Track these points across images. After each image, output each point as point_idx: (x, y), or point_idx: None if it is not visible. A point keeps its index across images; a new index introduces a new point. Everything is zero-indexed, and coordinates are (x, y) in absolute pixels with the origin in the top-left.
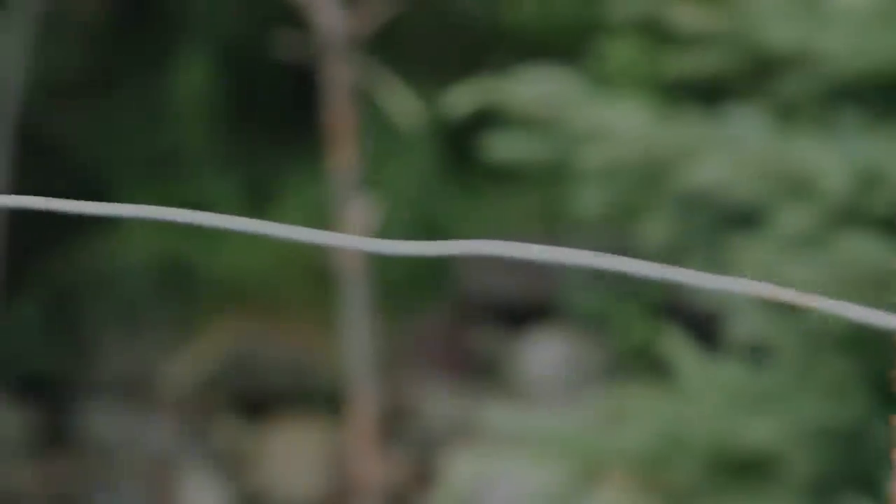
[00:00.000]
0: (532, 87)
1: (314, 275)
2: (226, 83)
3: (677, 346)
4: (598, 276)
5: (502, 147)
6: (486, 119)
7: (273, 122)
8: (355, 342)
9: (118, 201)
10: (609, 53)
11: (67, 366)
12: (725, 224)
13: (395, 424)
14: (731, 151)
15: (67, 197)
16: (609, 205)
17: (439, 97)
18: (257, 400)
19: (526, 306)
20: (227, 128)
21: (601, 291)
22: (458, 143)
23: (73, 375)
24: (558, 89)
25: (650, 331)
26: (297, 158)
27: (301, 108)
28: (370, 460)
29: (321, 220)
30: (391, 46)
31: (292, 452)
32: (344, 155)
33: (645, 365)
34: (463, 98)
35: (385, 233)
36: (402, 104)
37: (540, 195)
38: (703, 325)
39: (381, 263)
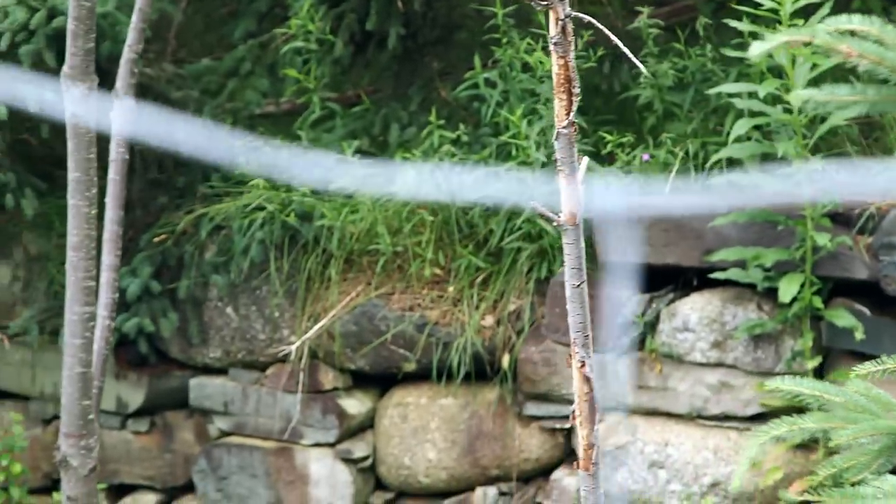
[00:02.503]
0: None
1: (440, 236)
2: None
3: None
4: (747, 240)
5: None
6: None
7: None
8: (571, 301)
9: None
10: None
11: (188, 332)
12: None
13: (541, 392)
14: None
15: (184, 150)
16: None
17: None
18: (384, 365)
19: (671, 270)
20: (346, 79)
21: (752, 256)
22: None
23: (193, 341)
24: None
25: (810, 296)
26: (414, 110)
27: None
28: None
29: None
30: None
31: (420, 420)
32: (564, 107)
33: (804, 329)
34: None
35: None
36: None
37: None
38: (868, 290)
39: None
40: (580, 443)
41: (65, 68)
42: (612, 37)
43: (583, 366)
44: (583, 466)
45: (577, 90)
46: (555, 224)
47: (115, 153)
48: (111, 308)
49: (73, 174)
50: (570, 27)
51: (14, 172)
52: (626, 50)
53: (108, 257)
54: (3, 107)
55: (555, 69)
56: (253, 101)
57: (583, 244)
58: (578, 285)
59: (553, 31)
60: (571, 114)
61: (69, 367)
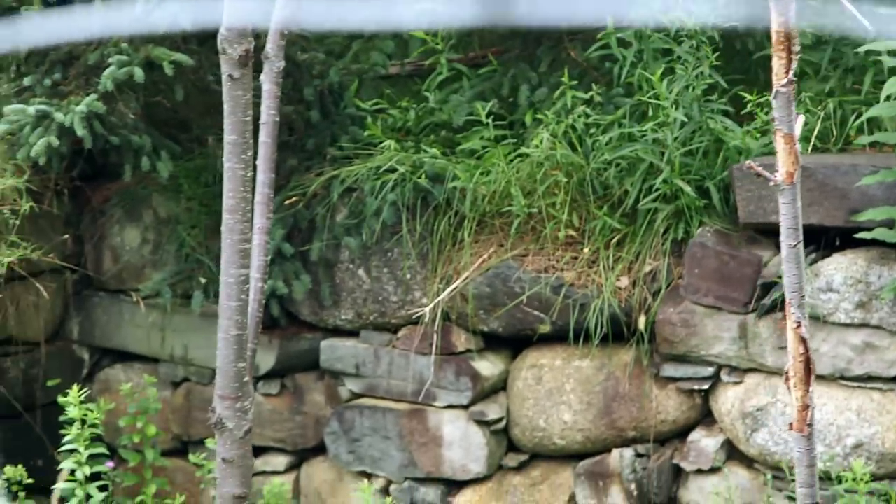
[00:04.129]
0: None
1: (574, 197)
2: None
3: None
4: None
5: None
6: None
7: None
8: (787, 261)
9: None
10: None
11: (319, 294)
12: None
13: (680, 353)
14: None
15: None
16: None
17: None
18: (517, 327)
19: (814, 230)
20: (473, 40)
21: None
22: None
23: (324, 304)
24: None
25: None
26: (543, 70)
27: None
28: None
29: (573, 134)
30: None
31: (555, 382)
32: (783, 65)
33: None
34: None
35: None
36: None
37: None
38: None
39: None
40: (794, 403)
41: (221, 31)
42: None
43: (798, 326)
44: (797, 428)
45: (796, 48)
46: (772, 183)
47: (266, 115)
48: (263, 270)
49: (229, 137)
50: None
51: (149, 135)
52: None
53: (260, 220)
54: (138, 69)
55: (774, 27)
56: (378, 63)
57: (799, 203)
58: (794, 245)
59: None
60: (791, 72)
61: (225, 330)
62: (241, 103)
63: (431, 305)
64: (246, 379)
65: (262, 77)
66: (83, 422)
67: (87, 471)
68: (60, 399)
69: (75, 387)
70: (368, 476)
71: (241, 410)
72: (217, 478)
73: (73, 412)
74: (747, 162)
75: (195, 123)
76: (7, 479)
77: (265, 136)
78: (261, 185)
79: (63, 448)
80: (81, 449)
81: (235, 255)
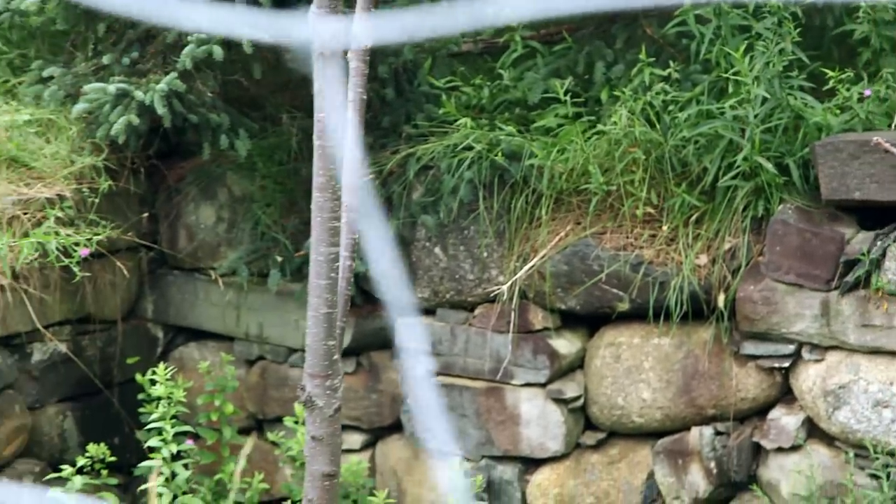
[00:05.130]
0: None
1: (652, 175)
2: None
3: None
4: None
5: None
6: None
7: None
8: None
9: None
10: None
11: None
12: None
13: (760, 331)
14: None
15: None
16: None
17: None
18: (595, 305)
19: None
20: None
21: None
22: None
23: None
24: None
25: None
26: (619, 47)
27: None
28: None
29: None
30: None
31: (633, 360)
32: None
33: None
34: None
35: None
36: None
37: None
38: None
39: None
40: None
41: (312, 8)
42: None
43: None
44: None
45: None
46: None
47: (354, 93)
48: (351, 248)
49: (319, 114)
50: None
51: (227, 114)
52: None
53: (349, 197)
54: (217, 47)
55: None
56: (451, 40)
57: None
58: None
59: None
60: None
61: (314, 308)
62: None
63: (509, 283)
64: (335, 357)
65: (350, 54)
66: (169, 399)
67: (174, 448)
68: (139, 377)
69: (161, 365)
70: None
71: (331, 388)
72: (306, 456)
73: (159, 390)
74: (875, 138)
75: (268, 101)
76: (91, 457)
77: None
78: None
79: (150, 426)
80: (168, 427)
81: (325, 234)
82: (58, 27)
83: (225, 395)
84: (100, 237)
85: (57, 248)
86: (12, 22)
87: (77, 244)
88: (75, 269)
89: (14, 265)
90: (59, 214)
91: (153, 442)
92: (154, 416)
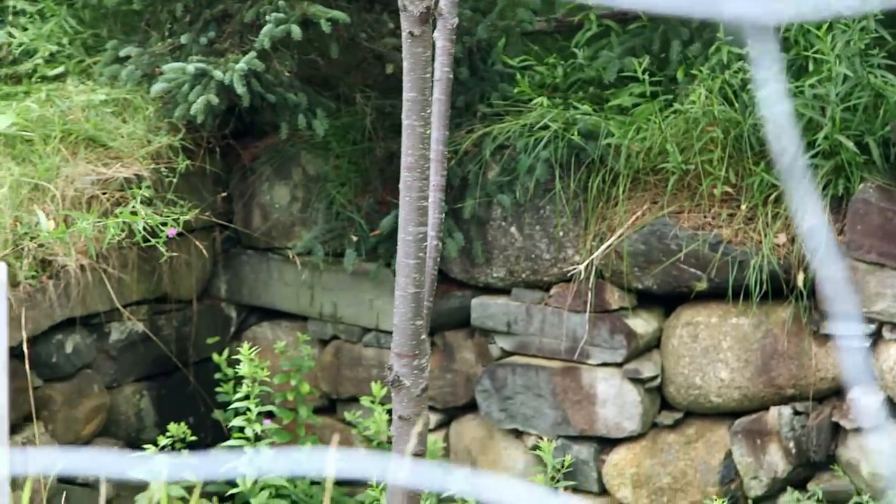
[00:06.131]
0: None
1: (731, 153)
2: None
3: None
4: None
5: None
6: None
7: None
8: None
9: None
10: None
11: (471, 251)
12: None
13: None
14: None
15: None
16: None
17: None
18: (672, 284)
19: None
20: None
21: None
22: None
23: (476, 261)
24: None
25: None
26: (696, 26)
27: None
28: None
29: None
30: None
31: (711, 339)
32: None
33: None
34: None
35: None
36: None
37: None
38: None
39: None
40: None
41: None
42: None
43: None
44: None
45: None
46: None
47: (440, 72)
48: (438, 228)
49: (408, 94)
50: None
51: (304, 93)
52: None
53: (435, 177)
54: (296, 27)
55: None
56: (525, 19)
57: None
58: None
59: None
60: None
61: (402, 288)
62: (420, 60)
63: (585, 263)
64: (423, 336)
65: (436, 34)
66: (253, 380)
67: (258, 428)
68: (216, 357)
69: (245, 344)
70: (520, 434)
71: (419, 368)
72: (393, 435)
73: (244, 369)
74: None
75: (341, 81)
76: (171, 437)
77: (439, 93)
78: (435, 142)
79: (233, 405)
80: (252, 406)
81: (413, 213)
82: (133, 7)
83: (301, 375)
84: (186, 217)
85: (144, 228)
86: (86, 2)
87: (164, 224)
88: (162, 249)
89: (99, 245)
90: (146, 194)
91: (237, 422)
92: (238, 396)
